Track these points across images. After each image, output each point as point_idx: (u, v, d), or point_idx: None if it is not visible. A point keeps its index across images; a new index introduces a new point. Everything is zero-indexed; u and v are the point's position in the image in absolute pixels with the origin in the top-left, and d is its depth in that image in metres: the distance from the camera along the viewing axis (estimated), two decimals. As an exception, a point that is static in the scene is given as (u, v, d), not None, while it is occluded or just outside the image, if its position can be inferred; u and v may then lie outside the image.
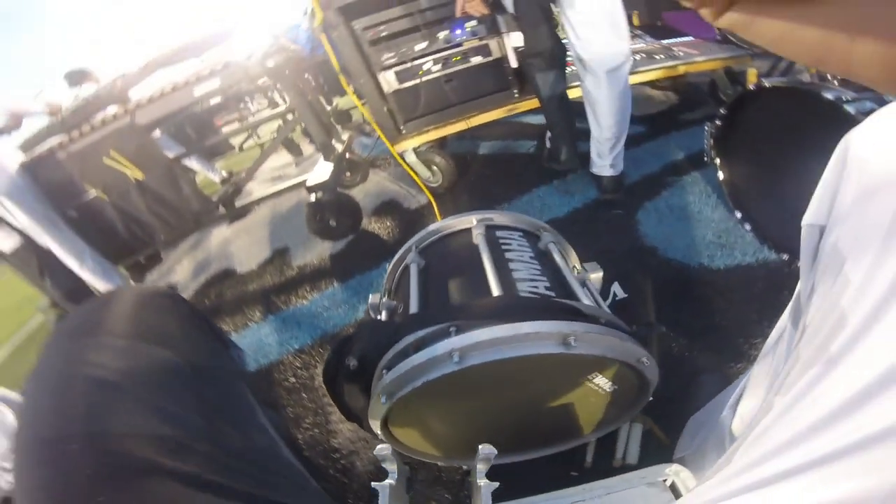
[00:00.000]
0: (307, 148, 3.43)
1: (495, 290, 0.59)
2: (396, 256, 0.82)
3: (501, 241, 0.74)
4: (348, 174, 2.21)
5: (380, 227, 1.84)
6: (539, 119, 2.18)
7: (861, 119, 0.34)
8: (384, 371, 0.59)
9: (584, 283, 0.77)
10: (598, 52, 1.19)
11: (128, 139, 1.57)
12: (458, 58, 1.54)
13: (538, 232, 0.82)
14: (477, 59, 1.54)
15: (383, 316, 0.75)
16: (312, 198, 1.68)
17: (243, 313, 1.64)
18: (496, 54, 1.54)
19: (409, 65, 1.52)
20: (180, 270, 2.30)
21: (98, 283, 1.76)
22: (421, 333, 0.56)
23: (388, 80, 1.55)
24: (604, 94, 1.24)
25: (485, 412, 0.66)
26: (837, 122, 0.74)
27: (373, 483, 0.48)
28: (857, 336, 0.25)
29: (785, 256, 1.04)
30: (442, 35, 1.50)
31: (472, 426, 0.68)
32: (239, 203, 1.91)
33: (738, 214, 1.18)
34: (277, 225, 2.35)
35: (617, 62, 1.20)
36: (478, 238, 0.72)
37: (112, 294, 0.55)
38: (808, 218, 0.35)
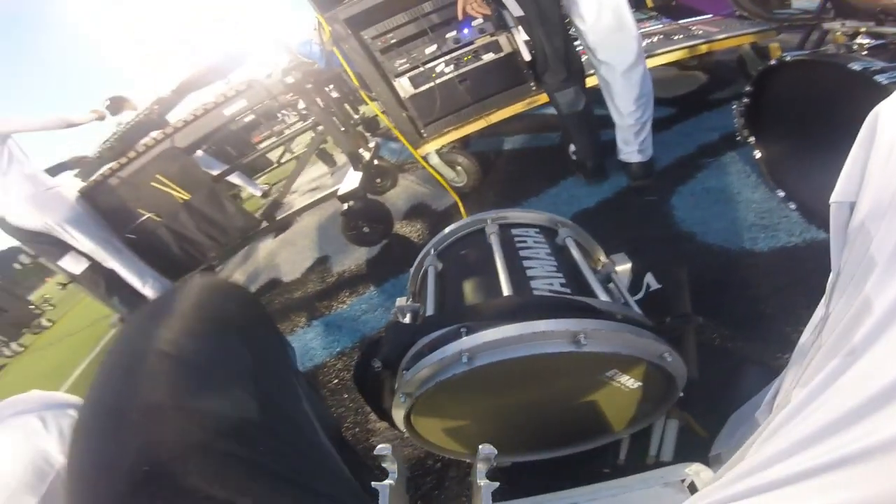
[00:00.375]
0: (340, 157, 3.54)
1: (506, 290, 0.59)
2: (417, 260, 0.84)
3: (517, 238, 0.74)
4: (378, 181, 2.26)
5: (411, 231, 1.87)
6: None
7: (894, 89, 0.31)
8: (404, 371, 0.61)
9: (607, 278, 0.76)
10: (602, 32, 1.15)
11: (170, 162, 1.66)
12: (469, 57, 1.54)
13: (556, 227, 0.81)
14: (488, 56, 1.54)
15: (407, 319, 0.78)
16: (345, 206, 1.74)
17: (290, 319, 1.73)
18: (507, 49, 1.52)
19: (421, 69, 1.53)
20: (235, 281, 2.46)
21: (160, 299, 1.89)
22: (435, 335, 0.57)
23: (404, 86, 1.57)
24: (620, 83, 1.20)
25: (508, 411, 0.66)
26: (869, 93, 0.68)
27: (373, 483, 0.49)
28: (883, 325, 0.22)
29: None
30: (450, 36, 1.51)
31: (498, 425, 0.68)
32: (279, 216, 2.00)
33: (781, 193, 1.09)
34: (317, 234, 2.46)
35: (623, 39, 1.16)
36: (491, 238, 0.72)
37: (185, 283, 0.57)
38: (837, 195, 0.32)
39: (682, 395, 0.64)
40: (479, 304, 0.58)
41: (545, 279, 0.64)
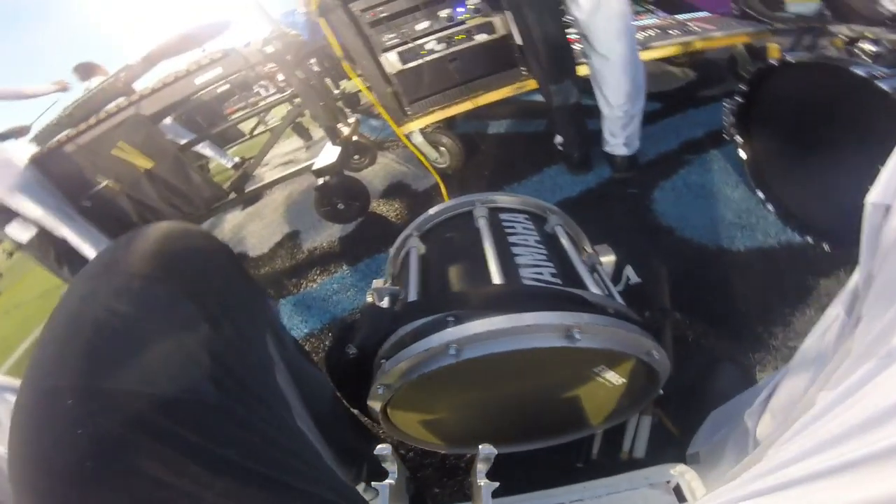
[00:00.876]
0: (317, 132, 3.39)
1: (496, 278, 0.55)
2: (398, 241, 0.78)
3: (505, 224, 0.69)
4: (356, 157, 2.17)
5: (388, 210, 1.80)
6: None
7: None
8: (382, 361, 0.56)
9: (593, 269, 0.73)
10: (602, 25, 1.11)
11: (134, 130, 1.56)
12: (462, 36, 1.46)
13: (545, 214, 0.77)
14: (481, 37, 1.46)
15: (385, 303, 0.72)
16: (320, 181, 1.65)
17: None
18: (501, 31, 1.45)
19: (411, 45, 1.45)
20: None
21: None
22: (418, 323, 0.52)
23: (391, 62, 1.48)
24: (613, 73, 1.16)
25: (487, 403, 0.63)
26: (869, 99, 0.67)
27: (373, 483, 0.45)
28: None
29: (810, 239, 0.96)
30: (444, 13, 1.43)
31: (475, 416, 0.65)
32: (249, 188, 1.89)
33: (761, 194, 1.10)
34: (288, 209, 2.34)
35: (623, 33, 1.12)
36: (479, 221, 0.67)
37: (142, 230, 0.46)
38: (874, 195, 0.30)
39: (661, 392, 0.63)
40: (466, 292, 0.54)
41: (534, 268, 0.60)
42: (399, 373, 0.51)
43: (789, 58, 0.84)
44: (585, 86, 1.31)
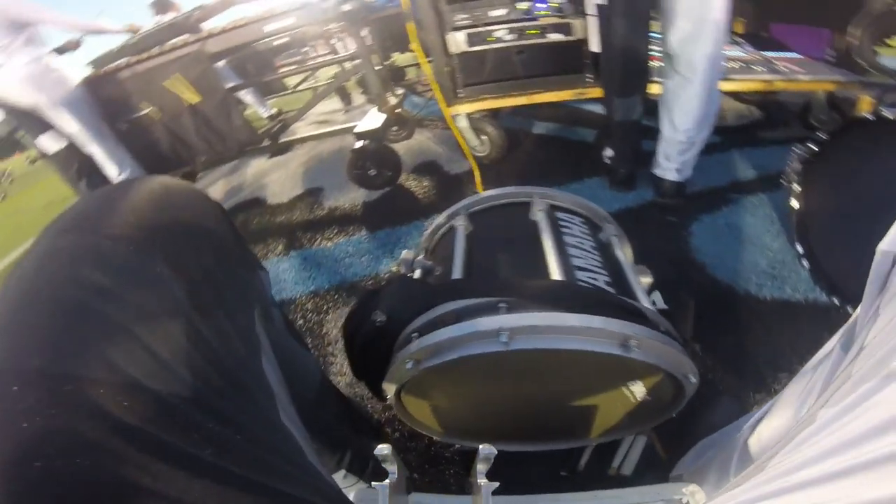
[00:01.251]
0: (358, 98, 3.36)
1: (555, 274, 0.51)
2: (442, 217, 0.75)
3: (561, 223, 0.66)
4: (395, 129, 2.13)
5: (416, 186, 1.76)
6: (602, 108, 2.05)
7: None
8: (414, 335, 0.53)
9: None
10: (694, 50, 1.06)
11: (193, 65, 1.59)
12: (535, 31, 1.41)
13: (600, 222, 0.73)
14: (555, 37, 1.41)
15: (416, 275, 0.69)
16: (358, 144, 1.61)
17: (266, 243, 1.61)
18: (578, 35, 1.40)
19: (481, 29, 1.40)
20: (213, 192, 2.29)
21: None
22: (464, 303, 0.49)
23: (457, 41, 1.43)
24: (689, 96, 1.11)
25: (502, 397, 0.60)
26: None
27: (373, 482, 0.42)
28: None
29: (836, 300, 0.93)
30: (523, 5, 1.37)
31: (483, 408, 0.62)
32: (284, 139, 1.89)
33: (800, 249, 1.06)
34: (315, 166, 2.31)
35: (707, 56, 1.07)
36: (538, 215, 0.63)
37: (129, 183, 0.39)
38: (886, 244, 0.33)
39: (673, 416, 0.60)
40: (522, 282, 0.50)
41: (589, 272, 0.57)
42: (434, 350, 0.48)
43: (888, 113, 0.79)
44: (647, 106, 1.27)
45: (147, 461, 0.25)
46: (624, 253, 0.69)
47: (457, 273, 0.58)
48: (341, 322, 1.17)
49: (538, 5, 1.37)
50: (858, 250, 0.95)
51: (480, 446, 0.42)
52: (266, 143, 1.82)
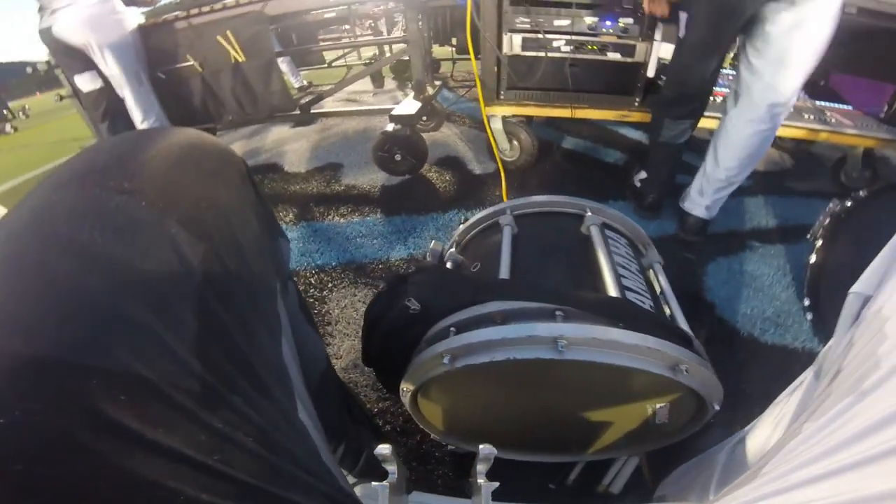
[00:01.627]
0: (389, 83, 3.33)
1: (611, 291, 0.50)
2: (483, 213, 0.73)
3: (610, 241, 0.64)
4: (424, 119, 2.10)
5: (437, 179, 1.74)
6: (637, 134, 2.04)
7: None
8: (452, 330, 0.51)
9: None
10: (765, 96, 1.05)
11: (250, 24, 1.60)
12: (594, 47, 1.39)
13: (643, 247, 0.72)
14: (614, 56, 1.39)
15: (448, 266, 0.67)
16: (390, 127, 1.58)
17: (276, 209, 1.58)
18: (638, 58, 1.39)
19: (540, 36, 1.38)
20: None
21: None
22: (516, 305, 0.47)
23: (513, 43, 1.41)
24: (743, 135, 1.11)
25: (515, 405, 0.58)
26: None
27: (373, 482, 0.40)
28: (888, 376, 0.27)
29: None
30: (590, 21, 1.35)
31: (490, 414, 0.60)
32: (315, 110, 1.86)
33: (807, 302, 1.07)
34: (338, 142, 2.27)
35: (779, 103, 1.06)
36: (591, 230, 0.62)
37: (152, 132, 0.34)
38: (858, 287, 0.37)
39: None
40: (576, 293, 0.49)
41: (637, 294, 0.55)
42: (478, 349, 0.46)
43: None
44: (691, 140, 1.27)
45: (143, 469, 0.21)
46: (664, 280, 0.68)
47: (503, 273, 0.56)
48: (345, 302, 1.16)
49: (606, 23, 1.36)
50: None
51: (481, 446, 0.40)
52: (296, 112, 1.79)
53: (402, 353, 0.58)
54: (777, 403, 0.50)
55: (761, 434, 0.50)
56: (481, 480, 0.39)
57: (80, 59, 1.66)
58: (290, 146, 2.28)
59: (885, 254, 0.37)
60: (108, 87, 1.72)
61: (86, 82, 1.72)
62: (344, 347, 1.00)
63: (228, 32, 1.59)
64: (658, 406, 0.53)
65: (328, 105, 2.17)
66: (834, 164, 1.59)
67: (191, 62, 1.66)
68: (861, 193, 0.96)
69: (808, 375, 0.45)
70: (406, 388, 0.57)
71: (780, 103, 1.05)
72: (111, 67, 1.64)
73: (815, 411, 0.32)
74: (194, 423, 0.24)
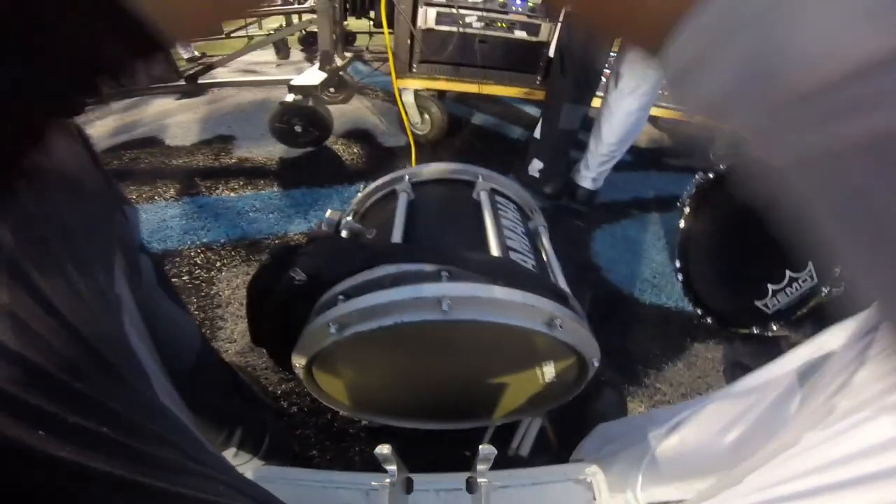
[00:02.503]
0: (296, 54, 3.06)
1: (494, 251, 0.51)
2: (381, 181, 0.70)
3: (499, 206, 0.65)
4: (332, 90, 1.97)
5: (345, 151, 1.65)
6: (538, 112, 2.13)
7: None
8: (340, 297, 0.48)
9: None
10: (640, 75, 1.14)
11: None
12: (504, 25, 1.40)
13: (530, 213, 0.75)
14: (521, 34, 1.42)
15: (343, 235, 0.63)
16: (289, 98, 1.45)
17: (154, 185, 1.36)
18: (542, 38, 1.43)
19: (453, 11, 1.36)
20: (100, 127, 1.89)
21: None
22: (405, 268, 0.46)
23: (427, 17, 1.37)
24: (622, 113, 1.20)
25: (415, 373, 0.58)
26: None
27: (372, 482, 0.38)
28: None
29: (699, 311, 1.09)
30: None
31: (393, 384, 0.60)
32: (203, 80, 1.63)
33: (677, 264, 1.21)
34: (230, 113, 2.03)
35: (652, 89, 1.16)
36: (481, 195, 0.62)
37: None
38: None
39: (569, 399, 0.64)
40: (462, 253, 0.49)
41: (521, 255, 0.57)
42: (366, 315, 0.44)
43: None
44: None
45: None
46: (548, 243, 0.72)
47: (396, 238, 0.54)
48: (237, 282, 1.06)
49: (517, 1, 1.37)
50: (722, 270, 1.13)
51: (480, 446, 0.40)
52: (181, 82, 1.56)
53: (293, 327, 0.54)
54: (727, 395, 0.49)
55: (714, 422, 0.48)
56: (481, 480, 0.38)
57: None
58: (175, 118, 1.98)
59: None
60: None
61: None
62: (238, 330, 0.91)
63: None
64: (545, 365, 0.56)
65: (222, 76, 1.93)
66: (705, 143, 1.82)
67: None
68: (721, 167, 1.10)
69: (793, 381, 0.42)
70: (298, 362, 0.53)
71: (651, 81, 1.15)
72: None
73: (820, 423, 0.30)
74: (33, 413, 0.19)
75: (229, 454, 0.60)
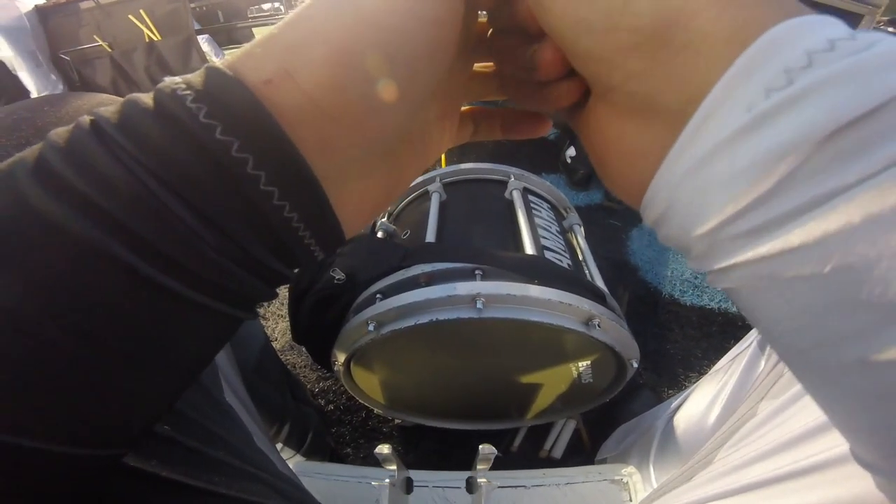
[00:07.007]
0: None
1: (529, 249, 0.50)
2: (414, 182, 0.71)
3: (533, 205, 0.65)
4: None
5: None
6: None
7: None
8: (378, 296, 0.50)
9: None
10: None
11: (164, 2, 1.50)
12: None
13: (564, 211, 0.74)
14: None
15: (379, 236, 0.65)
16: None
17: None
18: None
19: None
20: None
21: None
22: (440, 266, 0.46)
23: None
24: None
25: (450, 373, 0.58)
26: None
27: (372, 482, 0.39)
28: None
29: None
30: None
31: (428, 384, 0.60)
32: None
33: (716, 267, 1.17)
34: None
35: None
36: (514, 194, 0.62)
37: (61, 96, 0.26)
38: None
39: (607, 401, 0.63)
40: (496, 252, 0.49)
41: (556, 253, 0.57)
42: (403, 313, 0.45)
43: None
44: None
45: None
46: (583, 241, 0.71)
47: (430, 238, 0.55)
48: None
49: None
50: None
51: (480, 446, 0.40)
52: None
53: (332, 325, 0.56)
54: (714, 374, 0.49)
55: (700, 402, 0.49)
56: (482, 480, 0.39)
57: None
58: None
59: None
60: (3, 64, 1.56)
61: None
62: (279, 329, 0.95)
63: (142, 11, 1.47)
64: (582, 365, 0.55)
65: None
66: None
67: (98, 42, 1.52)
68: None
69: (750, 344, 0.43)
70: (337, 360, 0.55)
71: None
72: (3, 49, 1.51)
73: (770, 389, 0.30)
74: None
75: (278, 448, 0.62)
